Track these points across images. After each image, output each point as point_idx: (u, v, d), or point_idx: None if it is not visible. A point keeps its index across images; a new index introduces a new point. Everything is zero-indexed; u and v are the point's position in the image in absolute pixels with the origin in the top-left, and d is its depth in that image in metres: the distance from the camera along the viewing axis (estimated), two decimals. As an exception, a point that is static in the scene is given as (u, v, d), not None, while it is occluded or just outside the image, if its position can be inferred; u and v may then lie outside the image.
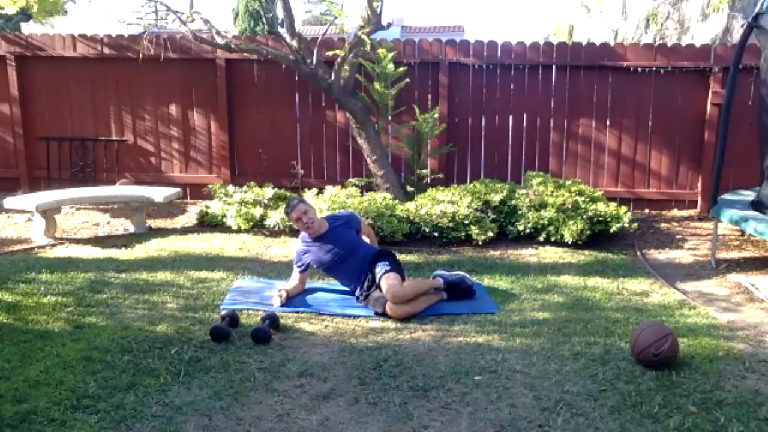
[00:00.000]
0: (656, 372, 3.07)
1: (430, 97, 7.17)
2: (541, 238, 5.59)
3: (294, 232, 5.55)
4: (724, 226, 5.86)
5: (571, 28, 15.16)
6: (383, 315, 3.86)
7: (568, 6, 15.43)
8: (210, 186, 6.62)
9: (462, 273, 4.28)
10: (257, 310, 3.91)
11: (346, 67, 6.16)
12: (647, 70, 6.93)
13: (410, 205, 5.75)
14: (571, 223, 5.44)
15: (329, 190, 6.23)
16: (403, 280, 4.06)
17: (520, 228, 5.62)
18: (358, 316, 3.88)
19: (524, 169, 7.05)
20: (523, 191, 5.86)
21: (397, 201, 5.97)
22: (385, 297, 3.87)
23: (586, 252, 5.43)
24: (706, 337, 3.53)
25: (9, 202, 5.60)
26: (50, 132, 7.39)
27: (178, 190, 6.40)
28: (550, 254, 5.39)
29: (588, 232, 5.45)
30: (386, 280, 3.90)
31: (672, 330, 3.21)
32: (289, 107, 7.30)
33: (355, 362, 3.18)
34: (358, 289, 4.12)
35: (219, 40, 6.08)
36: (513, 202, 5.76)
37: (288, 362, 3.18)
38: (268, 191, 6.20)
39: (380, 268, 4.02)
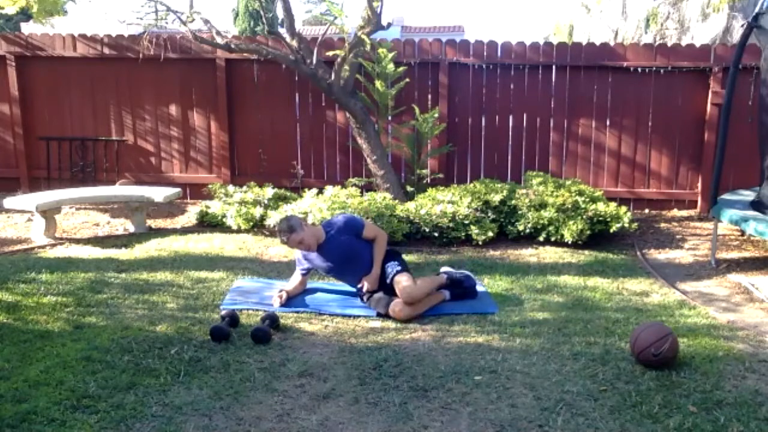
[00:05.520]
0: (656, 372, 3.07)
1: (430, 97, 7.17)
2: (541, 238, 5.59)
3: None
4: (724, 226, 5.86)
5: (571, 28, 15.15)
6: (384, 316, 3.86)
7: (568, 6, 15.43)
8: (210, 186, 6.62)
9: (466, 272, 4.31)
10: (257, 310, 3.91)
11: (346, 67, 6.16)
12: (647, 70, 6.93)
13: (410, 205, 5.75)
14: (571, 223, 5.44)
15: (329, 190, 6.22)
16: None
17: (520, 228, 5.62)
18: (358, 316, 3.88)
19: (524, 169, 7.05)
20: (523, 191, 5.86)
21: (397, 201, 5.96)
22: (387, 298, 3.88)
23: (586, 252, 5.43)
24: (706, 337, 3.53)
25: (9, 202, 5.60)
26: (50, 132, 7.39)
27: (178, 190, 6.40)
28: (550, 254, 5.39)
29: (588, 232, 5.45)
30: (399, 283, 3.85)
31: (672, 330, 3.21)
32: (289, 107, 7.30)
33: (355, 362, 3.18)
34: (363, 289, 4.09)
35: (219, 40, 6.08)
36: (513, 202, 5.76)
37: (288, 362, 3.18)
38: (268, 191, 6.21)
39: (391, 269, 4.01)
